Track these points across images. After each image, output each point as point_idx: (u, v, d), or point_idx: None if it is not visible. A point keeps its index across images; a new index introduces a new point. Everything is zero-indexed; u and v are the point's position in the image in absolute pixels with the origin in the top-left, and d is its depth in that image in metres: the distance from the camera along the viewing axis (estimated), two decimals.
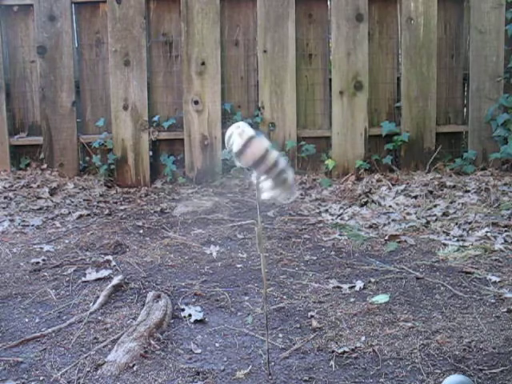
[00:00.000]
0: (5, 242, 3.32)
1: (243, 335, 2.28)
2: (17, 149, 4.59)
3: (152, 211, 3.90)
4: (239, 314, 2.46)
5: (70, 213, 3.85)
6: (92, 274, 2.83)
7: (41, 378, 2.01)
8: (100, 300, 2.54)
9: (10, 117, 4.57)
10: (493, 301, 2.50)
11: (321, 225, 3.55)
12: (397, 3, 4.48)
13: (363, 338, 2.22)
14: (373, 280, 2.74)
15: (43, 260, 3.04)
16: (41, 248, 3.22)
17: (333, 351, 2.14)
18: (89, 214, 3.83)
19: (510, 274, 2.75)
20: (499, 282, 2.68)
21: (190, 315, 2.41)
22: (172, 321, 2.38)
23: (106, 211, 3.89)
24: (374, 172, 4.45)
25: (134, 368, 2.04)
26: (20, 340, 2.24)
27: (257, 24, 4.45)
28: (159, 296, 2.49)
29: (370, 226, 3.48)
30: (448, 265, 2.90)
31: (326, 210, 3.81)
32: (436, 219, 3.53)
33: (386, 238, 3.27)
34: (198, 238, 3.37)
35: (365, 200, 3.93)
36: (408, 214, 3.64)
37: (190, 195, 4.23)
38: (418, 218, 3.55)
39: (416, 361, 2.07)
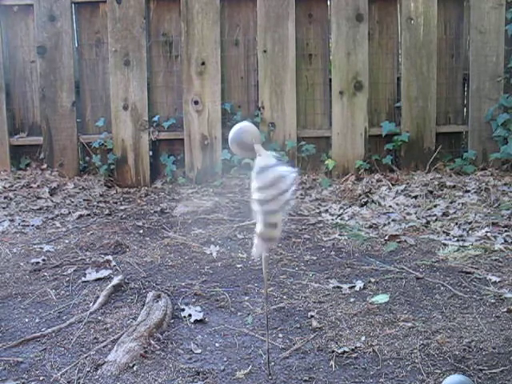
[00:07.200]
0: (5, 242, 3.32)
1: (243, 335, 2.28)
2: (17, 149, 4.59)
3: (152, 211, 3.90)
4: (239, 314, 2.46)
5: (70, 213, 3.85)
6: (92, 274, 2.83)
7: (41, 378, 2.01)
8: (100, 300, 2.54)
9: (10, 117, 4.57)
10: (493, 301, 2.50)
11: (321, 225, 3.55)
12: (397, 3, 4.48)
13: (363, 338, 2.22)
14: (373, 280, 2.74)
15: (43, 260, 3.04)
16: (41, 248, 3.22)
17: (333, 351, 2.14)
18: (89, 214, 3.83)
19: (510, 274, 2.75)
20: (499, 282, 2.68)
21: (190, 315, 2.41)
22: (172, 321, 2.38)
23: (106, 211, 3.89)
24: (373, 172, 4.45)
25: (134, 368, 2.04)
26: (20, 340, 2.24)
27: (257, 24, 4.45)
28: (159, 296, 2.49)
29: (370, 226, 3.48)
30: (448, 265, 2.90)
31: (326, 210, 3.81)
32: (436, 219, 3.53)
33: (386, 238, 3.27)
34: (198, 238, 3.37)
35: (365, 200, 3.93)
36: (408, 213, 3.64)
37: (190, 195, 4.23)
38: (418, 218, 3.55)
39: (416, 361, 2.07)
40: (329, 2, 4.48)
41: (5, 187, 4.22)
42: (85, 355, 2.13)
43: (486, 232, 3.24)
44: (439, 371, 2.00)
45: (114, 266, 2.95)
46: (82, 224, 3.64)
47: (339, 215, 3.70)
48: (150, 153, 4.54)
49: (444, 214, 3.58)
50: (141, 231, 3.50)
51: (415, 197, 3.90)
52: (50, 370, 2.06)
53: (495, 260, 2.93)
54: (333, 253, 3.11)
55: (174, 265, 2.99)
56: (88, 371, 2.03)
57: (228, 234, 3.42)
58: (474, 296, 2.56)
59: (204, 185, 4.42)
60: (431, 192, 3.96)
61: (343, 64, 4.43)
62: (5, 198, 4.07)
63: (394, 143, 4.48)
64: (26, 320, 2.43)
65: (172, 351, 2.16)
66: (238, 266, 2.98)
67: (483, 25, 4.40)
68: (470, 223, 3.40)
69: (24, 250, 3.20)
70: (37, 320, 2.43)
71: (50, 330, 2.31)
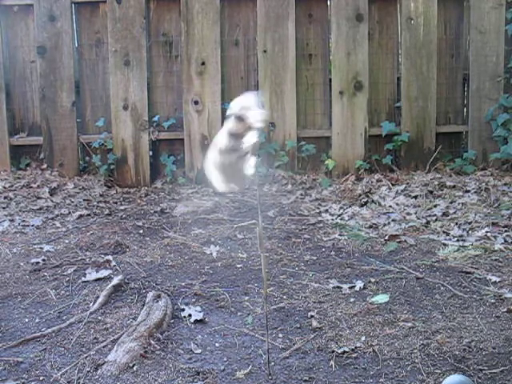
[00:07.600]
0: (5, 242, 3.32)
1: (243, 335, 2.28)
2: (17, 149, 4.59)
3: (152, 211, 3.90)
4: (239, 313, 2.46)
5: (70, 213, 3.85)
6: (92, 274, 2.83)
7: (41, 378, 2.01)
8: (100, 300, 2.54)
9: (10, 117, 4.58)
10: (493, 301, 2.50)
11: (321, 225, 3.55)
12: (397, 3, 4.48)
13: (363, 338, 2.22)
14: (373, 280, 2.74)
15: (43, 260, 3.04)
16: (41, 248, 3.22)
17: (333, 351, 2.14)
18: (89, 214, 3.83)
19: (510, 274, 2.75)
20: (499, 282, 2.68)
21: (190, 315, 2.41)
22: (172, 321, 2.38)
23: (106, 211, 3.89)
24: (373, 172, 4.45)
25: (134, 368, 2.04)
26: (20, 340, 2.24)
27: (257, 24, 4.45)
28: (159, 296, 2.49)
29: (370, 226, 3.48)
30: (448, 265, 2.90)
31: (326, 210, 3.81)
32: (436, 219, 3.53)
33: (386, 238, 3.27)
34: (198, 238, 3.37)
35: (365, 200, 3.93)
36: (408, 213, 3.64)
37: (190, 195, 4.23)
38: (418, 218, 3.55)
39: (416, 361, 2.07)
40: (329, 2, 4.48)
41: (5, 187, 4.22)
42: (85, 355, 2.13)
43: (486, 232, 3.24)
44: (439, 371, 2.00)
45: (114, 266, 2.95)
46: (82, 224, 3.64)
47: (339, 215, 3.70)
48: (150, 153, 4.54)
49: (444, 214, 3.58)
50: (141, 231, 3.50)
51: (415, 197, 3.90)
52: (50, 370, 2.06)
53: (495, 260, 2.93)
54: (333, 253, 3.11)
55: (173, 265, 2.99)
56: (88, 371, 2.03)
57: (228, 234, 3.42)
58: (474, 296, 2.56)
59: (204, 185, 4.42)
60: (431, 192, 3.96)
61: (343, 64, 4.43)
62: (5, 198, 4.07)
63: (394, 143, 4.48)
64: (26, 320, 2.43)
65: (172, 351, 2.16)
66: (238, 266, 2.98)
67: (483, 25, 4.40)
68: (470, 223, 3.40)
69: (24, 250, 3.20)
70: (37, 320, 2.43)
71: (49, 330, 2.31)
